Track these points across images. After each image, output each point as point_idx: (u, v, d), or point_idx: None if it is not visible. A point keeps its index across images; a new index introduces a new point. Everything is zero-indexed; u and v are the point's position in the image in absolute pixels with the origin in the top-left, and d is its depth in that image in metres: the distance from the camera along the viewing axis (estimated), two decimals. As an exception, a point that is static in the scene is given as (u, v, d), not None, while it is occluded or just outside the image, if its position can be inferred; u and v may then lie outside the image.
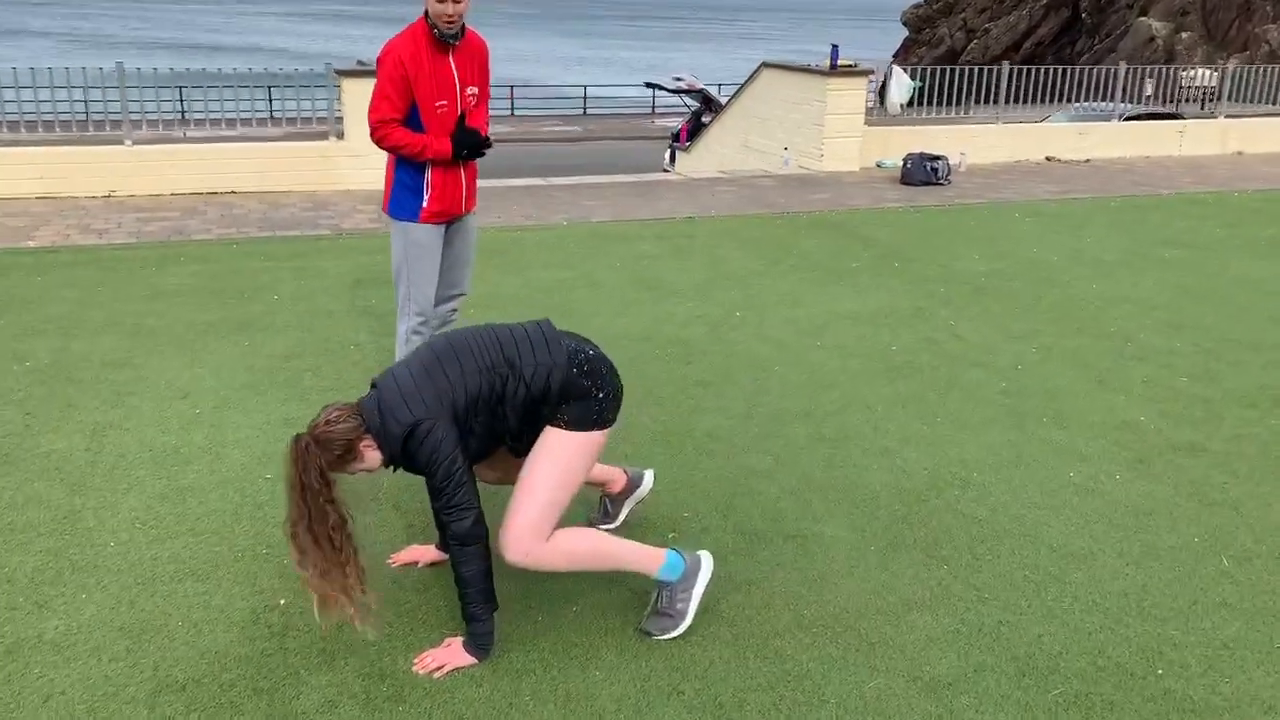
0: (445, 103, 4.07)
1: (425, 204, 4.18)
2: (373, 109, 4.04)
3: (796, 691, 2.80)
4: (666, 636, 2.97)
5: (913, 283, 6.86)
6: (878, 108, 12.53)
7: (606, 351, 3.06)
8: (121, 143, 9.27)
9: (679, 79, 17.10)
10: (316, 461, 2.69)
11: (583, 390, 2.85)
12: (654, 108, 28.08)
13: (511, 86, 29.75)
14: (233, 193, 9.25)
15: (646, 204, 9.28)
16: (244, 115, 10.02)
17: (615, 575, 3.27)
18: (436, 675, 2.82)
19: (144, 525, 3.56)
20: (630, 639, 2.99)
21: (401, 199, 4.22)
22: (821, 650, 2.97)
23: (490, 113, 4.45)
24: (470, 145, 4.14)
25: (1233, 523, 3.73)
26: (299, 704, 2.71)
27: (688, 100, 17.79)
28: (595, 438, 2.90)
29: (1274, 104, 14.89)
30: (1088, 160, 12.72)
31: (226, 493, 3.81)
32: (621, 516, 3.59)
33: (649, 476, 3.63)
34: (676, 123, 19.06)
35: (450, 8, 3.94)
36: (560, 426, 2.87)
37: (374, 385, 2.90)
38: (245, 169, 9.29)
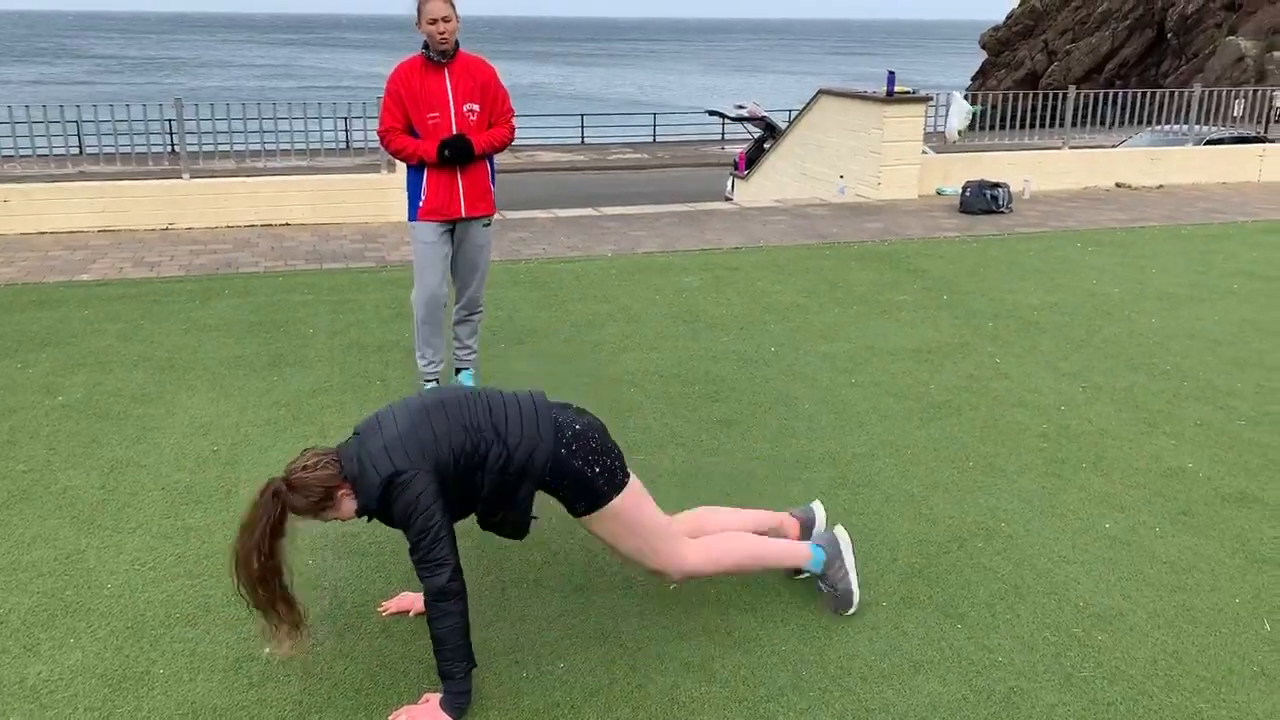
0: (437, 115, 4.71)
1: (422, 202, 4.86)
2: (380, 121, 4.84)
3: (784, 762, 2.64)
4: (851, 611, 3.20)
5: (960, 317, 6.63)
6: (937, 135, 12.27)
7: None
8: (180, 176, 9.48)
9: (741, 106, 16.97)
10: (272, 512, 2.64)
11: (576, 472, 2.84)
12: (723, 135, 28.02)
13: (582, 115, 30.00)
14: (286, 225, 9.39)
15: (695, 234, 9.18)
16: (311, 146, 10.19)
17: (605, 630, 3.17)
18: (410, 734, 2.73)
19: (143, 567, 3.55)
20: (616, 699, 2.87)
21: (409, 203, 4.94)
22: (815, 716, 2.80)
23: (515, 134, 5.03)
24: (452, 146, 4.69)
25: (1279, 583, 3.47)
26: (266, 761, 2.63)
27: (750, 128, 17.66)
28: (620, 501, 2.91)
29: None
30: (1160, 186, 12.28)
31: (229, 534, 3.75)
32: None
33: (819, 510, 3.54)
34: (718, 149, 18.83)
35: (441, 26, 4.60)
36: (584, 514, 2.94)
37: (356, 432, 2.85)
38: (298, 201, 9.42)
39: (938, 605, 3.33)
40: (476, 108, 4.76)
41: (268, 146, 10.23)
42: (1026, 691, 2.90)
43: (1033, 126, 13.09)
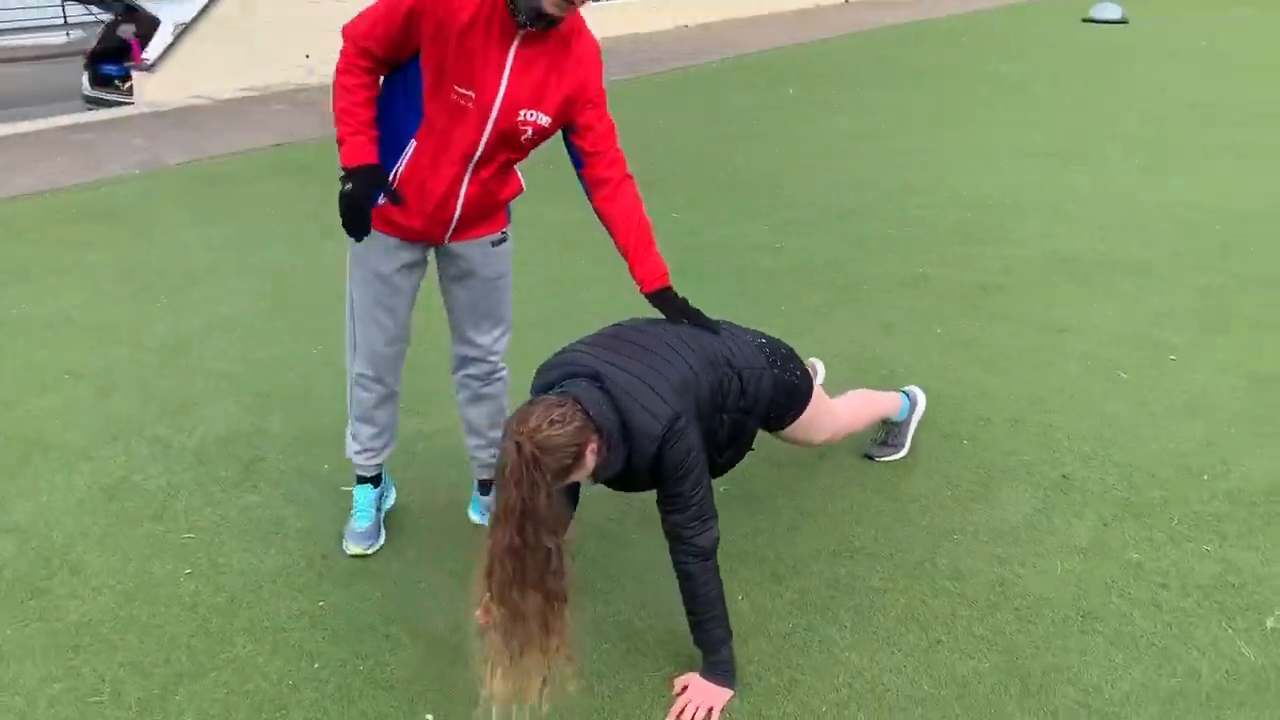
0: (471, 95, 2.42)
1: (380, 200, 2.55)
2: (354, 19, 2.44)
3: None
4: (889, 459, 3.22)
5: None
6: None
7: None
8: None
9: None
10: (544, 478, 1.97)
11: (789, 386, 2.62)
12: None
13: None
14: None
15: (241, 134, 7.13)
16: None
17: (778, 571, 2.78)
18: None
19: None
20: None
21: None
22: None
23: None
24: (360, 183, 2.41)
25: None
26: None
27: (95, 10, 14.29)
28: (815, 396, 2.74)
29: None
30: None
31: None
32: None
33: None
34: (62, 37, 15.09)
35: None
36: (791, 422, 2.69)
37: (595, 377, 2.19)
38: None
39: (1080, 491, 2.95)
40: (545, 121, 2.46)
41: None
42: (1239, 588, 2.60)
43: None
